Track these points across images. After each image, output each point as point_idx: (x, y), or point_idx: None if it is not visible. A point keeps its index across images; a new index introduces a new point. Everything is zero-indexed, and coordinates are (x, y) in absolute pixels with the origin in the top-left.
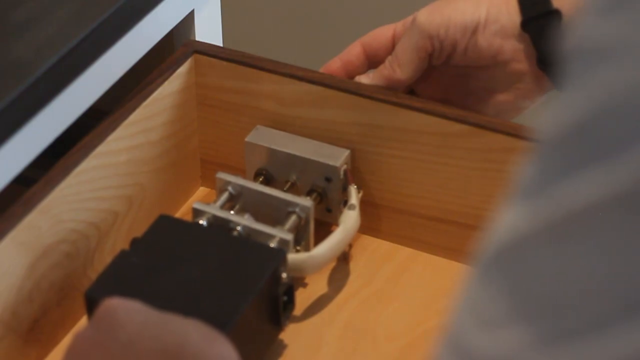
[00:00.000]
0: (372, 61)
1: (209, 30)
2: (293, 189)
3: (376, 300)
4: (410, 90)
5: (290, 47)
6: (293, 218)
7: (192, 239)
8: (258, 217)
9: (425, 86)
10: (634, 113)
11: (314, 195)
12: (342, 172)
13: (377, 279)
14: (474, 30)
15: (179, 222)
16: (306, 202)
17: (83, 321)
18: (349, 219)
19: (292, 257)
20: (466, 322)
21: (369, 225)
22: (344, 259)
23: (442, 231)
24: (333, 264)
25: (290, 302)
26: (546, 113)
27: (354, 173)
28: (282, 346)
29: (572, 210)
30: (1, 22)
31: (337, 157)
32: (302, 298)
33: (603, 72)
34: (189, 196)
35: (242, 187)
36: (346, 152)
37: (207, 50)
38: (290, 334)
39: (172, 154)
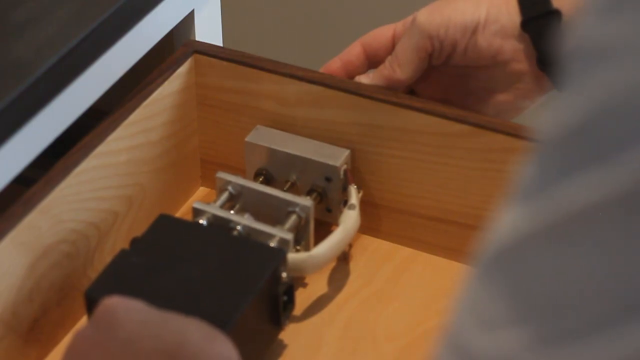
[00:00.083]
0: (372, 61)
1: (209, 30)
2: (293, 188)
3: (376, 300)
4: (410, 90)
5: (290, 47)
6: (293, 218)
7: (192, 239)
8: (258, 217)
9: (425, 86)
10: (634, 113)
11: (314, 195)
12: (342, 172)
13: (377, 279)
14: (474, 30)
15: (179, 222)
16: (306, 201)
17: (83, 321)
18: (349, 219)
19: (292, 256)
20: (466, 322)
21: (369, 225)
22: (344, 259)
23: (442, 231)
24: (333, 264)
25: (290, 302)
26: (546, 113)
27: (354, 173)
28: (282, 346)
29: (572, 211)
30: (1, 22)
31: (337, 157)
32: (302, 298)
33: (603, 72)
34: (189, 196)
35: (242, 186)
36: (346, 152)
37: (207, 50)
38: (290, 334)
39: (172, 154)
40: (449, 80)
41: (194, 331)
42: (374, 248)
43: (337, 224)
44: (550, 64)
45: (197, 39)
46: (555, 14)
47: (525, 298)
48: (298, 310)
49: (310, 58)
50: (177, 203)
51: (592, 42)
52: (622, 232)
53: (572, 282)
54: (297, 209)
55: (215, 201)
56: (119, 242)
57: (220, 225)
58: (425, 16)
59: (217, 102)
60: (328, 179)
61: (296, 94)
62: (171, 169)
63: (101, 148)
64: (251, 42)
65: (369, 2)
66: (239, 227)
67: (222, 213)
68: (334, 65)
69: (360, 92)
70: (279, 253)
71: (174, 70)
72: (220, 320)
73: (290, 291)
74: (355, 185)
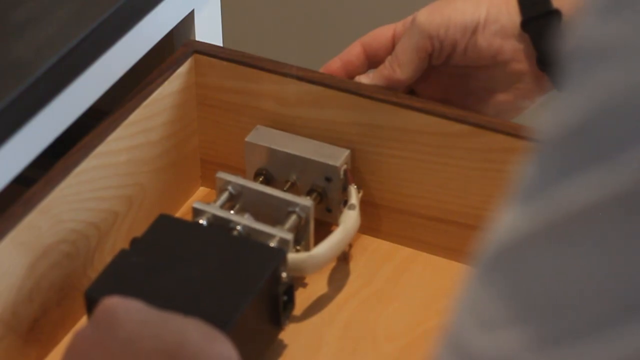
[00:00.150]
0: (372, 61)
1: (209, 30)
2: (293, 188)
3: (376, 300)
4: (410, 90)
5: (290, 47)
6: (293, 218)
7: (192, 239)
8: (258, 217)
9: (425, 86)
10: (634, 113)
11: (314, 195)
12: (342, 172)
13: (377, 279)
14: (474, 30)
15: (179, 222)
16: (306, 201)
17: (83, 321)
18: (349, 219)
19: (292, 256)
20: (466, 323)
21: (369, 225)
22: (344, 259)
23: (442, 231)
24: (333, 264)
25: (290, 302)
26: (546, 113)
27: (354, 173)
28: (282, 346)
29: (572, 211)
30: (1, 22)
31: (337, 157)
32: (302, 298)
33: (603, 72)
34: (189, 196)
35: (242, 186)
36: (346, 152)
37: (207, 50)
38: (290, 334)
39: (172, 154)
40: (449, 80)
41: (193, 331)
42: (374, 248)
43: (337, 224)
44: (550, 64)
45: (197, 39)
46: (555, 14)
47: (525, 298)
48: (298, 310)
49: (310, 58)
50: (177, 203)
51: (592, 42)
52: (622, 232)
53: (572, 282)
54: (297, 209)
55: (215, 201)
56: (119, 242)
57: (220, 225)
58: (425, 16)
59: (217, 102)
60: (328, 179)
61: (296, 94)
62: (171, 169)
63: (101, 148)
64: (251, 42)
65: (369, 2)
66: (239, 227)
67: (222, 213)
68: (334, 65)
69: (360, 92)
70: (279, 253)
71: (174, 70)
72: (220, 320)
73: (290, 291)
74: (355, 185)
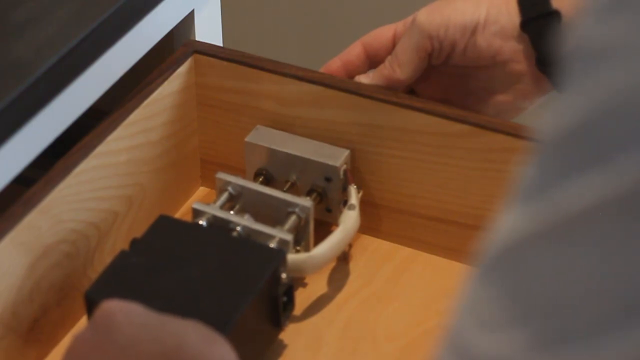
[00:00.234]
0: (373, 61)
1: (209, 30)
2: (293, 189)
3: (376, 300)
4: (411, 90)
5: (290, 47)
6: (293, 218)
7: (191, 239)
8: (258, 218)
9: (425, 86)
10: (634, 113)
11: (314, 195)
12: (342, 172)
13: (377, 279)
14: (474, 30)
15: (179, 223)
16: (306, 202)
17: (83, 321)
18: (349, 219)
19: (292, 257)
20: (467, 323)
21: (369, 225)
22: (344, 259)
23: (442, 231)
24: (333, 264)
25: (290, 303)
26: (546, 114)
27: (354, 173)
28: (282, 346)
29: (572, 212)
30: (1, 22)
31: (337, 157)
32: (302, 298)
33: (603, 72)
34: (189, 196)
35: (242, 187)
36: (346, 152)
37: (207, 50)
38: (290, 334)
39: (172, 154)
40: (448, 81)
41: (192, 334)
42: (374, 248)
43: (337, 224)
44: (550, 64)
45: (197, 39)
46: (555, 14)
47: (525, 299)
48: (298, 310)
49: (310, 58)
50: (177, 203)
51: (592, 43)
52: (621, 234)
53: (572, 283)
54: (296, 210)
55: (215, 202)
56: (119, 242)
57: (220, 226)
58: (425, 16)
59: (217, 102)
60: (328, 179)
61: (296, 94)
62: (171, 169)
63: (101, 148)
64: (251, 42)
65: (369, 2)
66: (238, 228)
67: (221, 214)
68: (334, 65)
69: (360, 92)
70: (279, 254)
71: (174, 70)
72: (220, 321)
73: (290, 292)
74: (355, 185)
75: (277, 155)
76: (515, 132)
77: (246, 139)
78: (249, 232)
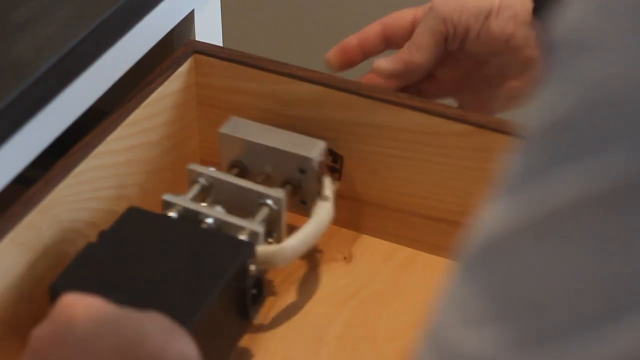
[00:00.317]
0: (390, 42)
1: (209, 30)
2: (268, 181)
3: (376, 300)
4: (431, 75)
5: (290, 47)
6: (265, 210)
7: (160, 232)
8: (231, 209)
9: (444, 71)
10: (617, 105)
11: (289, 187)
12: (316, 164)
13: (377, 279)
14: (487, 15)
15: (148, 214)
16: (278, 193)
17: None
18: (322, 210)
19: (262, 249)
20: (449, 319)
21: (369, 226)
22: (344, 259)
23: (442, 231)
24: (334, 264)
25: (260, 296)
26: (530, 106)
27: (354, 173)
28: (282, 346)
29: (554, 207)
30: (1, 22)
31: (311, 149)
32: (302, 298)
33: (582, 64)
34: None
35: (214, 178)
36: (321, 143)
37: (207, 50)
38: (290, 333)
39: (172, 154)
40: (465, 66)
41: (152, 327)
42: (374, 248)
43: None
44: None
45: (197, 39)
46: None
47: (507, 296)
48: (298, 310)
49: (310, 58)
50: None
51: (572, 34)
52: (604, 229)
53: (555, 279)
54: (268, 201)
55: (186, 193)
56: None
57: (190, 218)
58: (441, 1)
59: (217, 102)
60: (302, 171)
61: (296, 94)
62: (171, 169)
63: (101, 148)
64: (251, 42)
65: (369, 2)
66: (209, 220)
67: (192, 205)
68: (350, 42)
69: (361, 92)
70: (248, 246)
71: (174, 70)
72: (184, 314)
73: (259, 284)
74: (355, 185)
75: (252, 147)
76: (515, 132)
77: (220, 130)
78: (219, 224)
